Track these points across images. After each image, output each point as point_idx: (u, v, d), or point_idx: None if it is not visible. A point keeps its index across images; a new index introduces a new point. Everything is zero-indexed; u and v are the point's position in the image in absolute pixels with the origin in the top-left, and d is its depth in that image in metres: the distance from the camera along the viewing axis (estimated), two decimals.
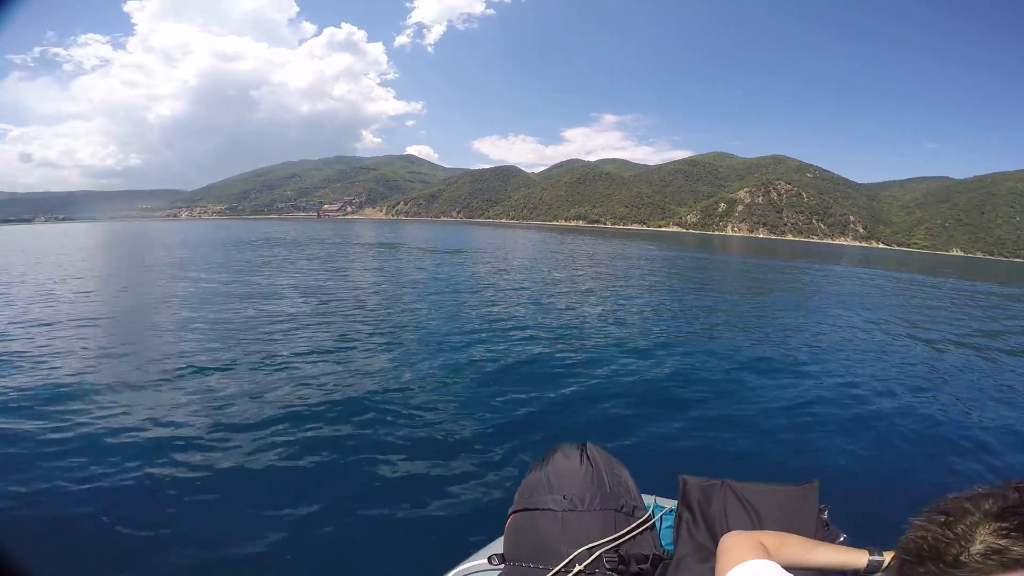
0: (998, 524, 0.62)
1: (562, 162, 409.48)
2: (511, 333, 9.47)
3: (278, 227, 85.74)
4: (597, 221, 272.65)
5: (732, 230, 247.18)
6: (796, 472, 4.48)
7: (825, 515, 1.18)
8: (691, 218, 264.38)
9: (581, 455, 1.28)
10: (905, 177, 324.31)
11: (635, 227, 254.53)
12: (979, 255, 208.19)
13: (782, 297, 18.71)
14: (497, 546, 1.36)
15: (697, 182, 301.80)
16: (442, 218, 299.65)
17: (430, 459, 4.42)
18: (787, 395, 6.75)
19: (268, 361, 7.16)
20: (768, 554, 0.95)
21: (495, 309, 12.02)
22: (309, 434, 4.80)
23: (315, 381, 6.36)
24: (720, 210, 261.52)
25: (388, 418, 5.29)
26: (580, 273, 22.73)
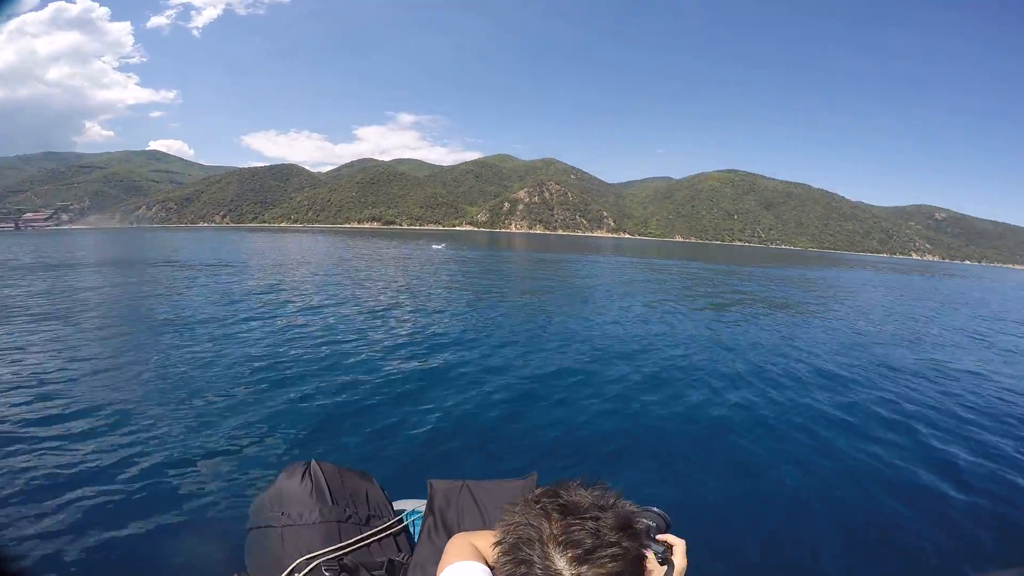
0: (570, 553, 0.70)
1: (353, 161, 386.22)
2: (277, 357, 8.49)
3: None
4: (392, 222, 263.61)
5: (515, 227, 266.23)
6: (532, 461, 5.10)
7: None
8: (481, 217, 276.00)
9: (304, 473, 1.34)
10: (641, 177, 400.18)
11: (431, 227, 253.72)
12: (693, 240, 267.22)
13: (560, 288, 20.97)
14: None
15: (485, 182, 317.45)
16: (201, 224, 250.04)
17: (184, 489, 4.32)
18: (547, 384, 7.55)
19: None
20: (479, 554, 0.98)
21: (254, 332, 10.49)
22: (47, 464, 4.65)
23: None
24: (505, 209, 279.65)
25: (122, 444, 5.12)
26: (363, 280, 21.47)
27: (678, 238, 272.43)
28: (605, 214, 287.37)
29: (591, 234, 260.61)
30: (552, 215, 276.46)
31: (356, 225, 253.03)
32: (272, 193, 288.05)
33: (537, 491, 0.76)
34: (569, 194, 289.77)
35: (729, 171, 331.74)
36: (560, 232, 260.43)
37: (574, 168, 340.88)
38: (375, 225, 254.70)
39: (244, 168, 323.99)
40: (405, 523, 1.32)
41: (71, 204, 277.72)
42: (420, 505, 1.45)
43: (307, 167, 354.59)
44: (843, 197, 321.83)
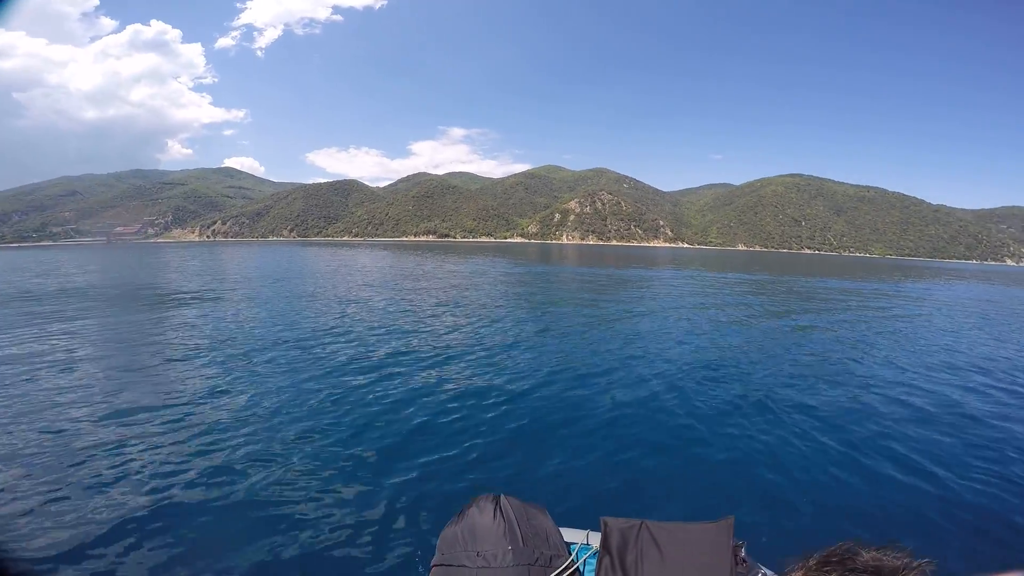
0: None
1: (409, 176, 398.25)
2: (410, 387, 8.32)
3: (43, 258, 62.02)
4: (447, 235, 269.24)
5: (567, 238, 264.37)
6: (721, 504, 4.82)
7: (743, 552, 1.18)
8: (532, 228, 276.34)
9: (495, 508, 1.31)
10: (698, 184, 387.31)
11: (483, 239, 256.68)
12: (758, 248, 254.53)
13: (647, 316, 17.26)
14: None
15: (535, 194, 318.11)
16: (271, 238, 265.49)
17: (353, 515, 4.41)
18: (704, 421, 6.89)
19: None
20: None
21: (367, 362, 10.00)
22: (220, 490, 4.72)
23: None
24: (556, 220, 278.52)
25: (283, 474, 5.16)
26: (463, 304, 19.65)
27: (741, 247, 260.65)
28: (662, 223, 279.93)
29: (647, 244, 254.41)
30: (605, 225, 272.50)
31: (412, 238, 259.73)
32: (334, 208, 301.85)
33: (821, 554, 0.71)
34: (622, 203, 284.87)
35: (794, 175, 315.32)
36: (615, 243, 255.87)
37: (626, 177, 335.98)
38: (430, 238, 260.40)
39: (309, 184, 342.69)
40: (576, 563, 1.31)
41: (156, 219, 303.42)
42: (585, 534, 1.48)
43: (366, 182, 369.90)
44: (923, 200, 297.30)
